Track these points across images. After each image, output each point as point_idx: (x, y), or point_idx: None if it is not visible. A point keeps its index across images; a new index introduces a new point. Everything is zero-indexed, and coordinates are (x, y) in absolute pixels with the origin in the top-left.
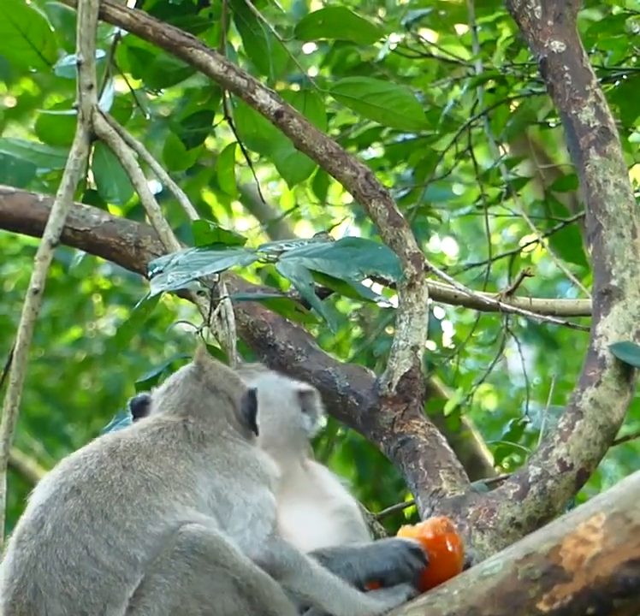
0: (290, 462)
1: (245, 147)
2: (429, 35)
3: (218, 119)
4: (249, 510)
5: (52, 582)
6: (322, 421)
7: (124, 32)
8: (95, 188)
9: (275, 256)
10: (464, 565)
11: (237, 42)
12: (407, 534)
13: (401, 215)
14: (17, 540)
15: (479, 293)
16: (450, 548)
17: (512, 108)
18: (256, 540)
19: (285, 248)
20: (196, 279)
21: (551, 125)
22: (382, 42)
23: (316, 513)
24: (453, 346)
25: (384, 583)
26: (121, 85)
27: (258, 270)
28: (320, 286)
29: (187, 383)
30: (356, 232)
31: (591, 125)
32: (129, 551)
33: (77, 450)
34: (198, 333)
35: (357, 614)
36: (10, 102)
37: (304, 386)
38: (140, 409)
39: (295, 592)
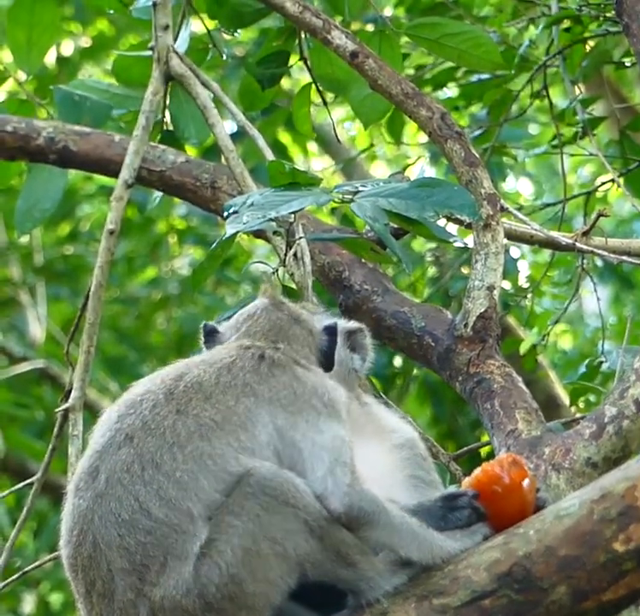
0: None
1: (320, 87)
2: None
3: (294, 59)
4: (324, 454)
5: (109, 535)
6: (372, 357)
7: None
8: (171, 129)
9: (350, 196)
10: (537, 506)
11: None
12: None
13: (477, 155)
14: (75, 488)
15: (555, 233)
16: (506, 480)
17: (588, 47)
18: (336, 490)
19: (360, 188)
20: (271, 219)
21: (626, 64)
22: None
23: (377, 450)
24: (528, 286)
25: None
26: (196, 25)
27: (334, 211)
28: (395, 226)
29: (272, 312)
30: (431, 172)
31: None
32: (182, 503)
33: (140, 380)
34: (274, 273)
35: (434, 556)
36: (86, 42)
37: (351, 324)
38: (210, 338)
39: (372, 542)
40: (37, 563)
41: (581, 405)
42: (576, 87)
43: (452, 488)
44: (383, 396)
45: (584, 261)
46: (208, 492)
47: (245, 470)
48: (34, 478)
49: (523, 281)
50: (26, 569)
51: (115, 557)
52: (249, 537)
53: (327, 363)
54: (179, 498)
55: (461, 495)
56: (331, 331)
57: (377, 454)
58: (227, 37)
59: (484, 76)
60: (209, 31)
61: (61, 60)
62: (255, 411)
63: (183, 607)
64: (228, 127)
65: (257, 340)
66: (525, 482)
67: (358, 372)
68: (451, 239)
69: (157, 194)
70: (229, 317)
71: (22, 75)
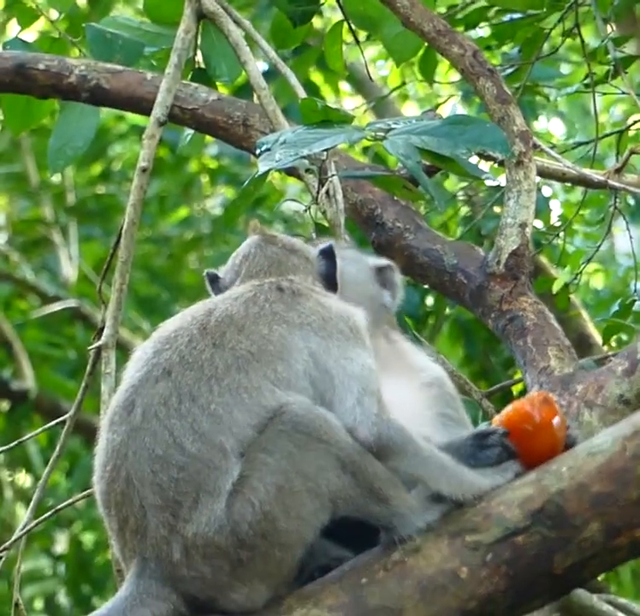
0: (373, 339)
1: (352, 25)
2: None
3: None
4: (353, 383)
5: (142, 471)
6: (402, 294)
7: None
8: (203, 67)
9: (382, 134)
10: (567, 444)
11: None
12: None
13: (509, 92)
14: (109, 422)
15: (587, 171)
16: (537, 418)
17: None
18: (365, 419)
19: (393, 126)
20: (304, 157)
21: None
22: None
23: (405, 388)
24: (560, 225)
25: None
26: None
27: (366, 150)
28: (428, 163)
29: (267, 248)
30: (463, 111)
31: None
32: (215, 438)
33: (168, 320)
34: (306, 211)
35: (464, 492)
36: None
37: (382, 261)
38: (214, 285)
39: (401, 472)
40: (69, 500)
41: (613, 343)
42: (608, 26)
43: (482, 426)
44: (417, 335)
45: (617, 199)
46: (241, 426)
47: (278, 405)
48: (67, 416)
49: (555, 220)
50: (59, 506)
51: (148, 493)
52: (282, 475)
53: (331, 286)
54: (212, 432)
55: (491, 433)
56: (328, 254)
57: (406, 392)
58: None
59: (516, 15)
60: None
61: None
62: (289, 337)
63: (216, 543)
64: (260, 65)
65: (263, 278)
66: (556, 420)
67: (387, 308)
68: (483, 177)
69: (188, 132)
70: None
71: (54, 14)
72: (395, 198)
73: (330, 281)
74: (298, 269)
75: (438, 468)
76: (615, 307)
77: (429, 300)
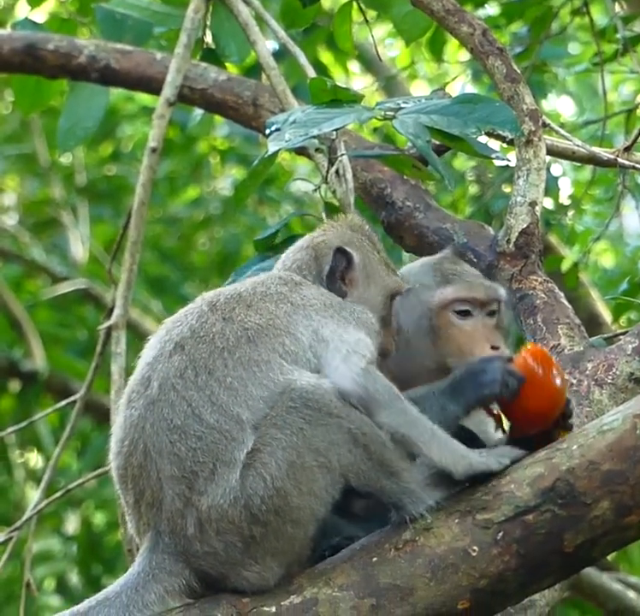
0: None
1: (361, 5)
2: None
3: None
4: (344, 346)
5: (160, 442)
6: None
7: None
8: (213, 47)
9: (392, 113)
10: (565, 413)
11: None
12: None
13: (518, 71)
14: (127, 400)
15: (597, 149)
16: (540, 372)
17: None
18: (348, 372)
19: (402, 105)
20: (313, 136)
21: None
22: None
23: None
24: (569, 204)
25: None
26: None
27: (375, 130)
28: (437, 143)
29: (299, 251)
30: (472, 90)
31: None
32: (232, 409)
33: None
34: (315, 191)
35: (455, 462)
36: None
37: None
38: None
39: (390, 429)
40: (80, 480)
41: (623, 322)
42: (616, 4)
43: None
44: None
45: (625, 178)
46: (255, 400)
47: (287, 381)
48: (77, 396)
49: (564, 199)
50: (70, 486)
51: (166, 464)
52: (293, 450)
53: (332, 286)
54: (230, 404)
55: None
56: (337, 253)
57: None
58: None
59: None
60: None
61: None
62: (294, 316)
63: (229, 517)
64: (270, 45)
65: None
66: (558, 376)
67: None
68: (493, 156)
69: (198, 111)
70: (271, 236)
71: None
72: (405, 177)
73: (331, 281)
74: (299, 266)
75: (427, 432)
76: (624, 285)
77: None
